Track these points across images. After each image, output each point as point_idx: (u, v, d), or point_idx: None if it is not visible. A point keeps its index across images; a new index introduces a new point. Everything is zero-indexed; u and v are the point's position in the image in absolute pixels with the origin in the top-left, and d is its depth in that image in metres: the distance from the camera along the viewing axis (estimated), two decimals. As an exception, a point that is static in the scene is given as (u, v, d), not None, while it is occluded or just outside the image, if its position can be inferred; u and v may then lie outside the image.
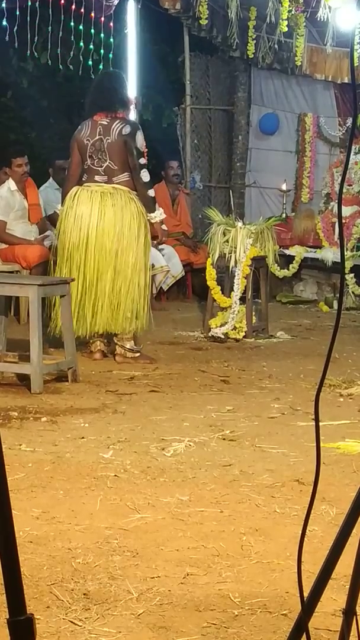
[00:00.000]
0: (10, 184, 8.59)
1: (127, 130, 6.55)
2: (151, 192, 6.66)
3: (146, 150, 6.70)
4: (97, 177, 6.60)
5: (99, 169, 6.59)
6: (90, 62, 8.87)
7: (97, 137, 6.59)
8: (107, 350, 6.81)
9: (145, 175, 6.57)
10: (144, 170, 6.58)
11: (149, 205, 6.61)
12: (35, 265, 8.37)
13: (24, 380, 5.90)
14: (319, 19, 9.93)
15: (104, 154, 6.56)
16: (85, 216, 6.49)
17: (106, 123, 6.59)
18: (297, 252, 10.41)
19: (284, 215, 10.76)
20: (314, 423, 1.64)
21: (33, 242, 8.58)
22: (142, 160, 6.59)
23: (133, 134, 6.55)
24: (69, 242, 6.53)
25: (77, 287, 6.47)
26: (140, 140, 6.59)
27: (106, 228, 6.45)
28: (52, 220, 8.96)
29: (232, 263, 7.86)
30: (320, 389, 1.66)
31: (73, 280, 6.33)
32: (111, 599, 2.77)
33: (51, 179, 9.17)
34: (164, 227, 6.85)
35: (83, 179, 6.67)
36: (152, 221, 6.63)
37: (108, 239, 6.46)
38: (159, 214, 6.68)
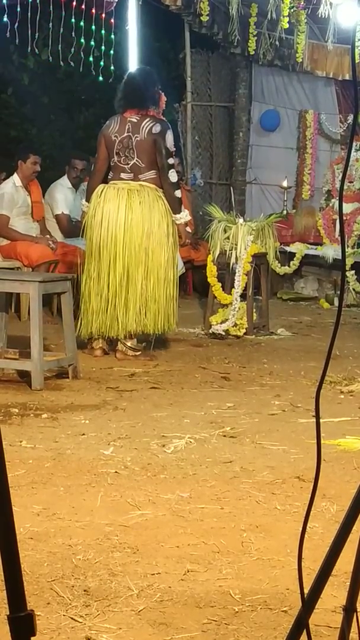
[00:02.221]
0: (15, 179, 8.56)
1: (157, 129, 6.52)
2: (178, 193, 6.62)
3: (174, 149, 6.67)
4: (123, 175, 6.57)
5: (126, 166, 6.56)
6: (91, 59, 8.85)
7: (126, 134, 6.56)
8: (107, 348, 6.80)
9: (173, 176, 6.54)
10: (172, 170, 6.56)
11: (175, 206, 6.58)
12: (37, 265, 8.34)
13: (24, 377, 5.90)
14: (320, 15, 9.91)
15: (131, 151, 6.52)
16: (113, 213, 6.46)
17: (136, 120, 6.56)
18: (298, 249, 10.40)
19: (284, 212, 10.75)
20: (314, 420, 1.64)
21: (37, 239, 8.54)
22: (171, 160, 6.57)
23: (163, 133, 6.52)
24: (97, 240, 6.50)
25: (107, 286, 6.46)
26: (170, 140, 6.56)
27: (134, 225, 6.42)
28: (58, 219, 8.91)
29: (232, 260, 7.85)
30: (321, 385, 1.66)
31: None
32: (111, 596, 2.77)
33: (66, 176, 9.09)
34: (188, 229, 6.83)
35: (109, 177, 6.65)
36: (177, 222, 6.59)
37: (137, 236, 6.43)
38: (184, 216, 6.65)
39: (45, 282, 5.89)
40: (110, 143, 6.61)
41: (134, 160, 6.53)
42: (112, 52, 8.81)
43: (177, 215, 6.58)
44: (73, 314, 7.57)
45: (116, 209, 6.46)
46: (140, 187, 6.51)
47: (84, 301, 6.57)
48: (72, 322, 6.11)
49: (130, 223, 6.43)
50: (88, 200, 6.71)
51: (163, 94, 7.00)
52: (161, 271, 6.49)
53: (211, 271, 8.04)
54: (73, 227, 8.82)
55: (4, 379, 5.94)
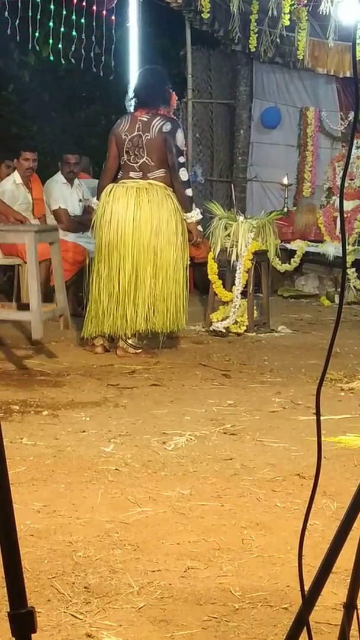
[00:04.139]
0: (16, 177, 8.58)
1: (167, 127, 6.52)
2: (189, 192, 6.61)
3: (185, 149, 6.67)
4: (132, 174, 6.57)
5: (135, 165, 6.56)
6: (92, 56, 8.85)
7: (136, 133, 6.56)
8: (109, 345, 6.79)
9: (184, 174, 6.54)
10: (183, 168, 6.56)
11: (186, 204, 6.57)
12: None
13: (24, 374, 5.91)
14: (321, 12, 9.89)
15: (141, 150, 6.52)
16: (121, 212, 6.45)
17: (146, 119, 6.56)
18: (299, 246, 10.39)
19: (285, 210, 10.74)
20: (315, 417, 1.65)
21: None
22: (182, 159, 6.57)
23: (174, 131, 6.53)
24: (106, 238, 6.50)
25: (116, 285, 6.45)
26: (180, 138, 6.57)
27: (142, 223, 6.42)
28: (56, 215, 8.93)
29: (233, 257, 7.84)
30: (322, 383, 1.66)
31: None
32: (112, 593, 2.78)
33: (60, 172, 9.10)
34: (199, 227, 6.83)
35: (118, 176, 6.65)
36: (188, 221, 6.58)
37: (145, 235, 6.42)
38: (195, 214, 6.64)
39: (39, 232, 6.25)
40: (121, 142, 6.61)
41: (144, 159, 6.53)
42: (112, 49, 8.81)
43: (189, 214, 6.58)
44: (77, 312, 7.65)
45: (125, 207, 6.46)
46: (149, 186, 6.51)
47: (93, 300, 6.56)
48: (62, 272, 6.19)
49: (138, 221, 6.43)
50: (99, 199, 6.71)
51: (174, 93, 7.00)
52: (170, 270, 6.49)
53: (212, 268, 8.03)
54: (72, 222, 8.84)
55: (4, 375, 5.94)
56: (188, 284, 6.84)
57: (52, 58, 9.18)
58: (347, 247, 9.45)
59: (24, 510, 3.42)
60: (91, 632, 2.53)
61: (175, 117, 7.11)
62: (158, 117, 6.57)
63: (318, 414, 1.63)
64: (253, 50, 11.05)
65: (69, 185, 8.97)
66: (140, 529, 3.31)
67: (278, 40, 10.94)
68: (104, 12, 8.75)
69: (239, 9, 10.36)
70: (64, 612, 2.64)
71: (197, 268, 10.13)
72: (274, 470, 4.06)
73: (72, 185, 8.97)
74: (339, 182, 10.55)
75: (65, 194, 8.93)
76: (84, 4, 8.56)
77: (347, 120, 11.39)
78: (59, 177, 9.01)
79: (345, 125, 11.42)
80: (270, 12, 10.28)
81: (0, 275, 9.20)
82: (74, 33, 8.75)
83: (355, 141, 10.04)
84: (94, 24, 8.67)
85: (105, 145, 6.89)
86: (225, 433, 4.71)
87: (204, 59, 11.85)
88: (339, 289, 10.49)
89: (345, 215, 9.99)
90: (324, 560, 1.69)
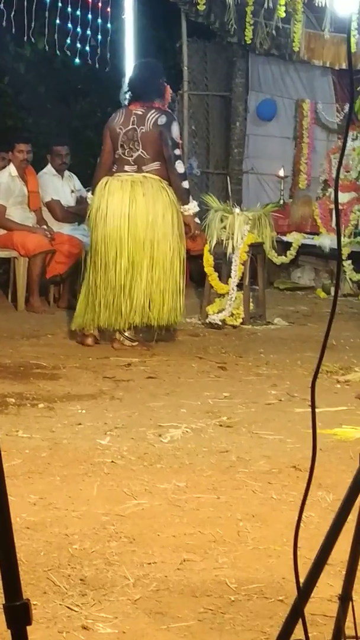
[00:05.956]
0: (11, 169, 8.57)
1: (162, 120, 6.51)
2: (185, 184, 6.60)
3: (181, 142, 6.67)
4: (127, 167, 6.56)
5: (129, 158, 6.54)
6: (87, 48, 8.83)
7: (131, 127, 6.55)
8: (99, 337, 6.76)
9: (180, 167, 6.54)
10: (179, 161, 6.55)
11: (183, 197, 6.56)
12: (33, 255, 8.34)
13: (21, 367, 5.91)
14: (316, 4, 9.88)
15: (136, 143, 6.51)
16: (117, 205, 6.44)
17: (141, 113, 6.55)
18: (295, 238, 10.38)
19: (281, 202, 10.73)
20: (310, 409, 1.65)
21: (33, 229, 8.52)
22: (177, 151, 6.56)
23: (169, 124, 6.52)
24: (102, 232, 6.48)
25: (113, 278, 6.44)
26: (175, 131, 6.56)
27: (138, 217, 6.41)
28: (50, 207, 8.93)
29: (229, 250, 7.84)
30: (317, 375, 1.66)
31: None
32: (108, 585, 2.78)
33: (49, 165, 9.12)
34: (197, 220, 6.81)
35: (113, 169, 6.63)
36: (185, 213, 6.58)
37: (141, 228, 6.40)
38: (192, 207, 6.63)
39: None
40: (115, 135, 6.60)
41: (139, 152, 6.51)
42: (108, 41, 8.79)
43: (186, 206, 6.57)
44: (73, 305, 7.65)
45: (120, 201, 6.45)
46: (143, 179, 6.50)
47: (89, 293, 6.55)
48: None
49: (134, 215, 6.41)
50: (94, 192, 6.70)
51: (169, 86, 6.99)
52: (166, 263, 6.48)
53: (208, 261, 8.03)
54: (66, 213, 8.84)
55: (0, 369, 5.94)
56: (185, 276, 6.83)
57: (47, 50, 9.17)
58: (342, 239, 9.45)
59: (20, 503, 3.42)
60: (87, 624, 2.54)
61: (170, 110, 7.10)
62: (153, 110, 6.56)
63: (313, 406, 1.63)
64: (249, 42, 11.02)
65: (59, 177, 8.98)
66: (136, 522, 3.31)
67: (274, 32, 10.91)
68: (100, 3, 8.73)
69: (234, 1, 10.33)
70: (60, 604, 2.65)
71: (193, 261, 10.12)
72: (269, 463, 4.07)
73: (63, 177, 8.98)
74: (334, 174, 10.55)
75: (57, 185, 8.94)
76: (79, -5, 8.53)
77: (343, 112, 11.36)
78: (49, 170, 9.02)
79: (342, 117, 11.40)
80: (266, 4, 10.24)
81: None
82: (69, 25, 8.73)
83: (350, 133, 10.04)
84: (90, 16, 8.65)
85: (101, 138, 6.89)
86: (221, 425, 4.71)
87: (200, 51, 11.83)
88: (335, 281, 10.48)
89: (340, 208, 9.98)
90: (320, 552, 1.70)
